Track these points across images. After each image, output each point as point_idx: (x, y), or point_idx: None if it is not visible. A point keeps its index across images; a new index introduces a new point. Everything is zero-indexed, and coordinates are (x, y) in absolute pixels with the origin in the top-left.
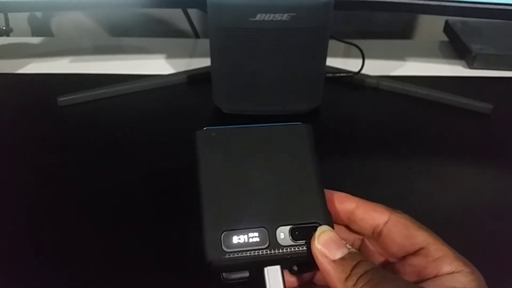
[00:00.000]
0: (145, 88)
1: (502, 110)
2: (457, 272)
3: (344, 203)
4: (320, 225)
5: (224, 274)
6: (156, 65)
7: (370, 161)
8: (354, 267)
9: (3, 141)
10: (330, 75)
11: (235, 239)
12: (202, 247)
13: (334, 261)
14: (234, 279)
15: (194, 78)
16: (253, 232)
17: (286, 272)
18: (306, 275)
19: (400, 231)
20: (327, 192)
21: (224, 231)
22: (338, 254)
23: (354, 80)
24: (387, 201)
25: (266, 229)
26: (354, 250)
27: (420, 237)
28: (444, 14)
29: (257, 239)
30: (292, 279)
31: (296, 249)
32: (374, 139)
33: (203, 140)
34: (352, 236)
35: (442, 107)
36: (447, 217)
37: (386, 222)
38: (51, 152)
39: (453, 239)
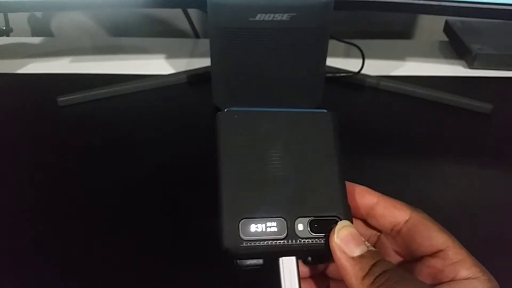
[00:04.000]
0: (145, 88)
1: (502, 110)
2: (474, 278)
3: (365, 198)
4: (340, 219)
5: (238, 261)
6: (156, 65)
7: (369, 161)
8: (373, 265)
9: (3, 141)
10: (330, 75)
11: (253, 228)
12: (219, 232)
13: (352, 258)
14: (248, 266)
15: (194, 78)
16: (271, 221)
17: (299, 262)
18: (319, 266)
19: (420, 231)
20: (348, 184)
21: (242, 219)
22: (357, 251)
23: (354, 80)
24: None
25: (285, 219)
26: (373, 248)
27: (440, 239)
28: (444, 14)
29: (275, 229)
30: (305, 269)
31: (314, 241)
32: (374, 139)
33: (225, 122)
34: (368, 232)
35: (442, 107)
36: (447, 217)
37: (407, 221)
38: (51, 152)
39: None
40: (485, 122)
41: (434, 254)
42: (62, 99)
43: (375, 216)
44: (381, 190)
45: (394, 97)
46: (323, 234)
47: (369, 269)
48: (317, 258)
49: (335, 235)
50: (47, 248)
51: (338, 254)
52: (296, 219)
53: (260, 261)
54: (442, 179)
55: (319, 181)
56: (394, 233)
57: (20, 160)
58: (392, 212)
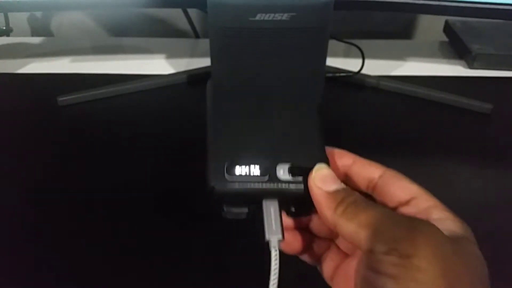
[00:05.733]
0: (145, 88)
1: (502, 110)
2: (446, 219)
3: (343, 158)
4: None
5: (225, 207)
6: (156, 65)
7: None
8: (345, 197)
9: (3, 141)
10: (330, 75)
11: (237, 170)
12: (206, 175)
13: (327, 192)
14: (234, 213)
15: (194, 78)
16: (254, 165)
17: (283, 214)
18: (303, 220)
19: (394, 182)
20: (328, 148)
21: (227, 161)
22: (332, 187)
23: (354, 80)
24: None
25: (267, 164)
26: (347, 187)
27: (412, 188)
28: (444, 14)
29: (258, 172)
30: (289, 221)
31: (294, 185)
32: (374, 139)
33: (214, 89)
34: None
35: (442, 107)
36: None
37: (381, 176)
38: (51, 152)
39: None
40: (485, 122)
41: (407, 202)
42: (62, 99)
43: (352, 174)
44: None
45: (394, 97)
46: (302, 177)
47: (341, 199)
48: (299, 209)
49: (313, 174)
50: (47, 248)
51: (315, 190)
52: (278, 164)
53: (245, 209)
54: (442, 179)
55: (301, 137)
56: (370, 189)
57: (20, 160)
58: (367, 169)
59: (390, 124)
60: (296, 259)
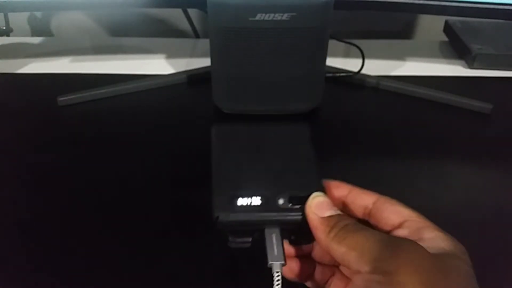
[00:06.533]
0: (145, 88)
1: (502, 110)
2: (437, 238)
3: (339, 189)
4: None
5: (230, 237)
6: (156, 65)
7: (370, 161)
8: (338, 221)
9: (3, 140)
10: (330, 75)
11: (240, 201)
12: (211, 207)
13: (322, 217)
14: (238, 243)
15: (194, 78)
16: (256, 197)
17: (285, 243)
18: (304, 248)
19: (387, 207)
20: (325, 181)
21: (231, 194)
22: (327, 213)
23: (354, 80)
24: None
25: (268, 195)
26: (341, 213)
27: (405, 211)
28: (444, 14)
29: (259, 203)
30: (291, 249)
31: (293, 213)
32: (374, 139)
33: (217, 133)
34: None
35: (442, 107)
36: (447, 217)
37: (375, 202)
38: (51, 152)
39: None
40: (485, 122)
41: (400, 225)
42: (62, 99)
43: (348, 203)
44: (380, 190)
45: (394, 97)
46: (300, 206)
47: (334, 224)
48: (299, 237)
49: (309, 202)
50: (47, 248)
51: (311, 215)
52: (277, 195)
53: (249, 239)
54: (442, 179)
55: (298, 171)
56: (366, 215)
57: (20, 160)
58: (362, 197)
59: (390, 124)
60: (299, 285)
